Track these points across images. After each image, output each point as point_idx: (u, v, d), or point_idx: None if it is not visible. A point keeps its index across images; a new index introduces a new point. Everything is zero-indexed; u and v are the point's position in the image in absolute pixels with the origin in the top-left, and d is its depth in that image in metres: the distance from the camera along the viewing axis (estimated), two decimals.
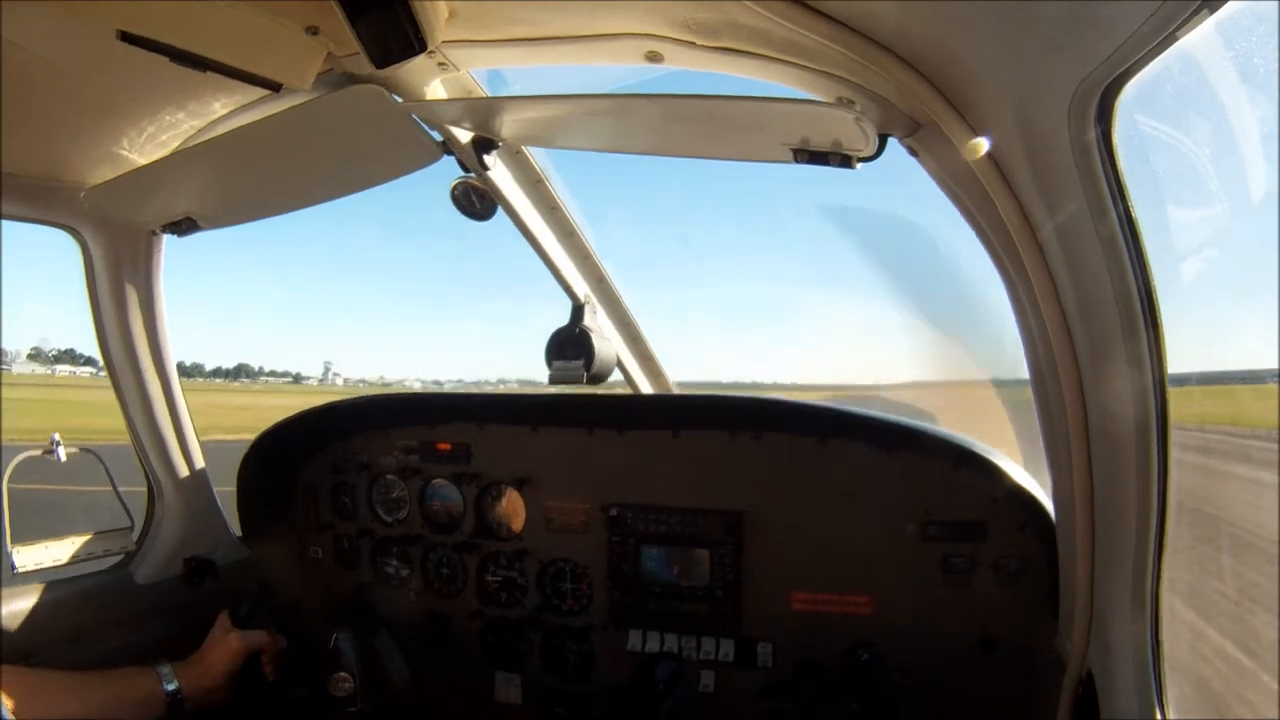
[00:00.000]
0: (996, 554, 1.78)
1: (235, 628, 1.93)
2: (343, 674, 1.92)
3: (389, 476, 2.31)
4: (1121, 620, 1.20)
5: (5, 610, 1.76)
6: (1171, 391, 1.06)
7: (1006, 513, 1.77)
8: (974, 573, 1.80)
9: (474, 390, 2.39)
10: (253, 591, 2.04)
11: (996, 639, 1.77)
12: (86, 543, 1.97)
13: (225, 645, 1.90)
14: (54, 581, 1.88)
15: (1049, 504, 1.64)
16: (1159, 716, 1.15)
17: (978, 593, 1.80)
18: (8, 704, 1.48)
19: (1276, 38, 0.85)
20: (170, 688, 1.76)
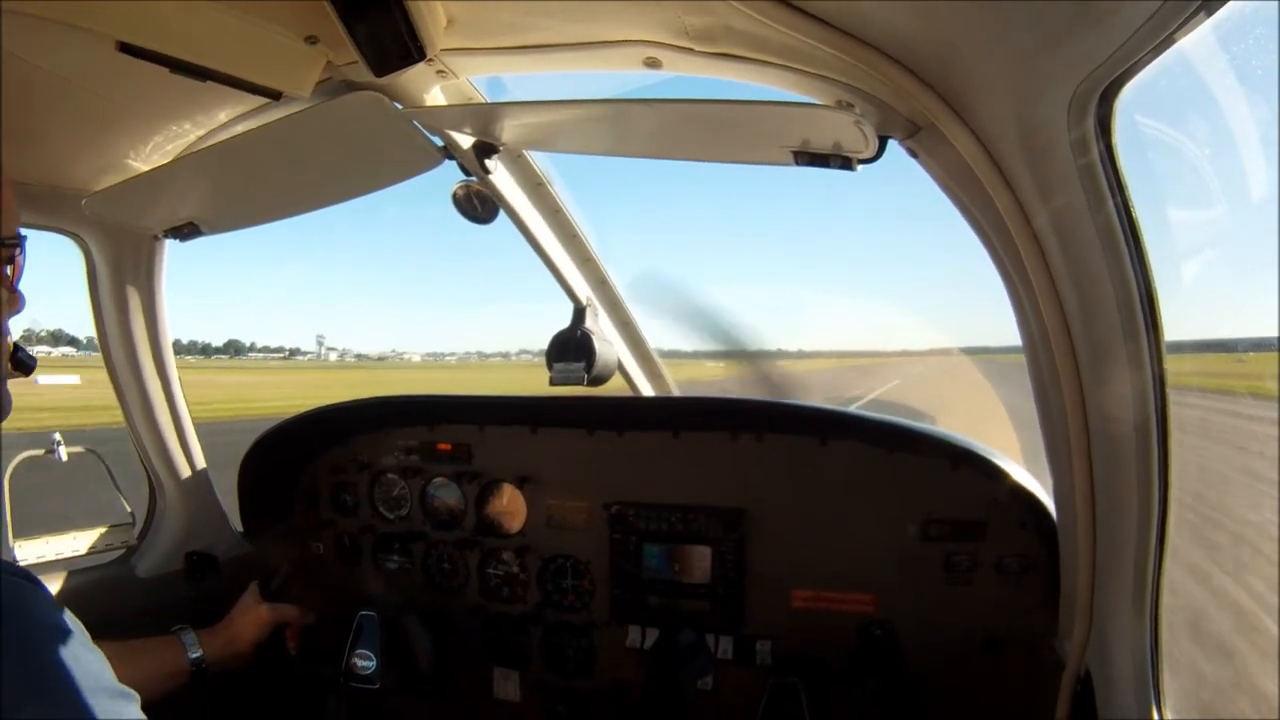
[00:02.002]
0: (998, 553, 1.78)
1: (265, 599, 1.98)
2: (363, 652, 1.96)
3: (390, 475, 2.32)
4: (1121, 620, 1.20)
5: None
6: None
7: (1008, 512, 1.77)
8: (976, 572, 1.80)
9: (474, 393, 2.42)
10: (282, 569, 2.07)
11: (999, 638, 1.78)
12: (88, 537, 1.99)
13: (256, 614, 1.95)
14: (55, 575, 1.90)
15: (1050, 503, 1.65)
16: (1156, 715, 1.16)
17: (980, 592, 1.80)
18: None
19: (1277, 39, 0.85)
20: (195, 655, 1.80)
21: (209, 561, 2.17)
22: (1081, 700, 1.31)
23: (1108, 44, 0.83)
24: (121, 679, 1.67)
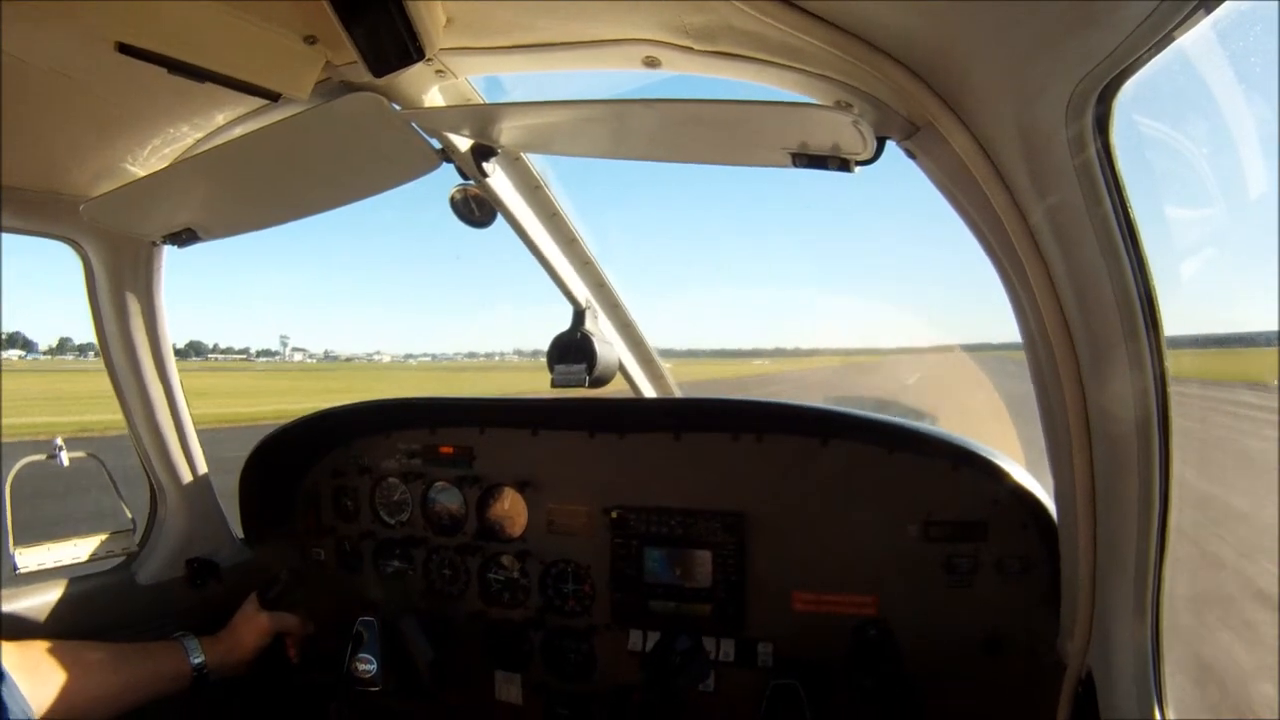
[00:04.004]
0: (999, 554, 1.78)
1: (263, 609, 1.99)
2: (365, 656, 1.97)
3: (391, 479, 2.31)
4: (1122, 620, 1.20)
5: (7, 611, 1.77)
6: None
7: (1008, 513, 1.76)
8: (977, 573, 1.80)
9: (476, 395, 2.44)
10: (281, 578, 2.08)
11: (999, 639, 1.77)
12: (89, 544, 1.99)
13: (256, 623, 1.97)
14: (56, 583, 1.89)
15: (1050, 504, 1.64)
16: (1158, 716, 1.15)
17: (980, 593, 1.79)
18: (58, 677, 1.54)
19: (1276, 37, 0.85)
20: (196, 661, 1.81)
21: (210, 568, 2.17)
22: (1083, 701, 1.30)
23: (1107, 43, 0.83)
24: (123, 680, 1.69)
